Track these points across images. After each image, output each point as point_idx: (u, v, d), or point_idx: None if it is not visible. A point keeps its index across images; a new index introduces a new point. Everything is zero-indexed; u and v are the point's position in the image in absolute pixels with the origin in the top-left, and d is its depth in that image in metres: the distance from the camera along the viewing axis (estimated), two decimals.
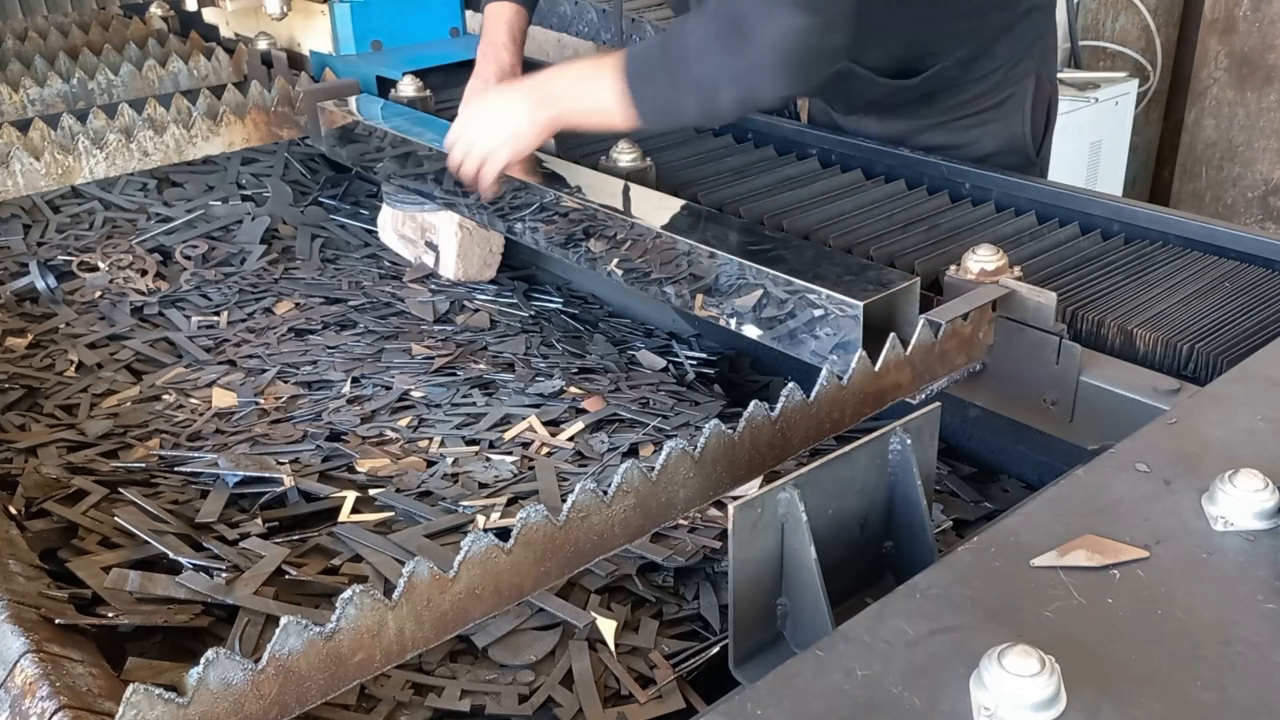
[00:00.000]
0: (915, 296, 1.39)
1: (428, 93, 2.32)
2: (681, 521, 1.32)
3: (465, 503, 1.42)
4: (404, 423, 1.64)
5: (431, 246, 2.19)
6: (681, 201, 1.73)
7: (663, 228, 1.60)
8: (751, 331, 1.46)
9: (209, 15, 2.94)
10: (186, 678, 0.77)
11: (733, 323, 1.48)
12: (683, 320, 2.02)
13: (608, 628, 1.19)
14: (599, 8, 2.52)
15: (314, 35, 2.67)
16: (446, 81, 2.51)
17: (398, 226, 2.26)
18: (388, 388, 1.74)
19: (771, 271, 1.43)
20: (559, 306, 2.12)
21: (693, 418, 1.64)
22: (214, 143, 2.23)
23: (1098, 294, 1.46)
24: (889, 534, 1.07)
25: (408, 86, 2.31)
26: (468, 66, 2.63)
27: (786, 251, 1.50)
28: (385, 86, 2.40)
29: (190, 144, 2.20)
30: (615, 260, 1.65)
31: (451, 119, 1.88)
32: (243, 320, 2.00)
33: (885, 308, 1.36)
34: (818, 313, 1.37)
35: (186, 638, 1.16)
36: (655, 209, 1.70)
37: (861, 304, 1.33)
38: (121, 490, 1.40)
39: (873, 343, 1.27)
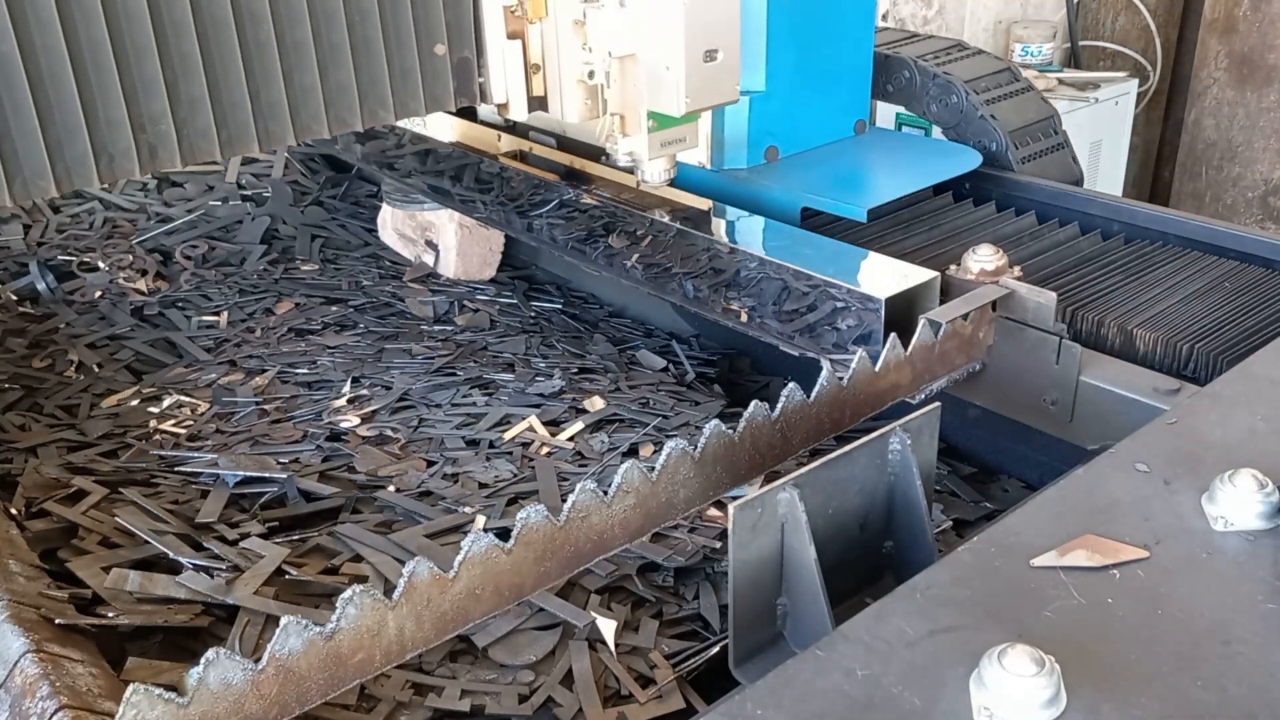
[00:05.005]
0: (935, 291, 1.39)
1: None
2: (681, 521, 1.32)
3: (465, 503, 1.42)
4: (404, 423, 1.64)
5: (431, 245, 2.19)
6: (697, 198, 1.73)
7: (683, 223, 1.60)
8: (772, 326, 1.46)
9: None
10: (186, 678, 0.77)
11: (753, 317, 1.48)
12: (683, 320, 2.02)
13: (608, 628, 1.19)
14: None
15: None
16: None
17: (398, 226, 2.26)
18: (388, 388, 1.74)
19: (793, 266, 1.43)
20: (559, 306, 2.12)
21: (693, 418, 1.64)
22: None
23: (1098, 294, 1.46)
24: (889, 534, 1.07)
25: None
26: None
27: (807, 247, 1.49)
28: None
29: None
30: (635, 256, 1.65)
31: None
32: (243, 320, 2.00)
33: (906, 302, 1.35)
34: (839, 306, 1.37)
35: (186, 638, 1.16)
36: (673, 206, 1.69)
37: (884, 298, 1.32)
38: (121, 490, 1.40)
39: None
